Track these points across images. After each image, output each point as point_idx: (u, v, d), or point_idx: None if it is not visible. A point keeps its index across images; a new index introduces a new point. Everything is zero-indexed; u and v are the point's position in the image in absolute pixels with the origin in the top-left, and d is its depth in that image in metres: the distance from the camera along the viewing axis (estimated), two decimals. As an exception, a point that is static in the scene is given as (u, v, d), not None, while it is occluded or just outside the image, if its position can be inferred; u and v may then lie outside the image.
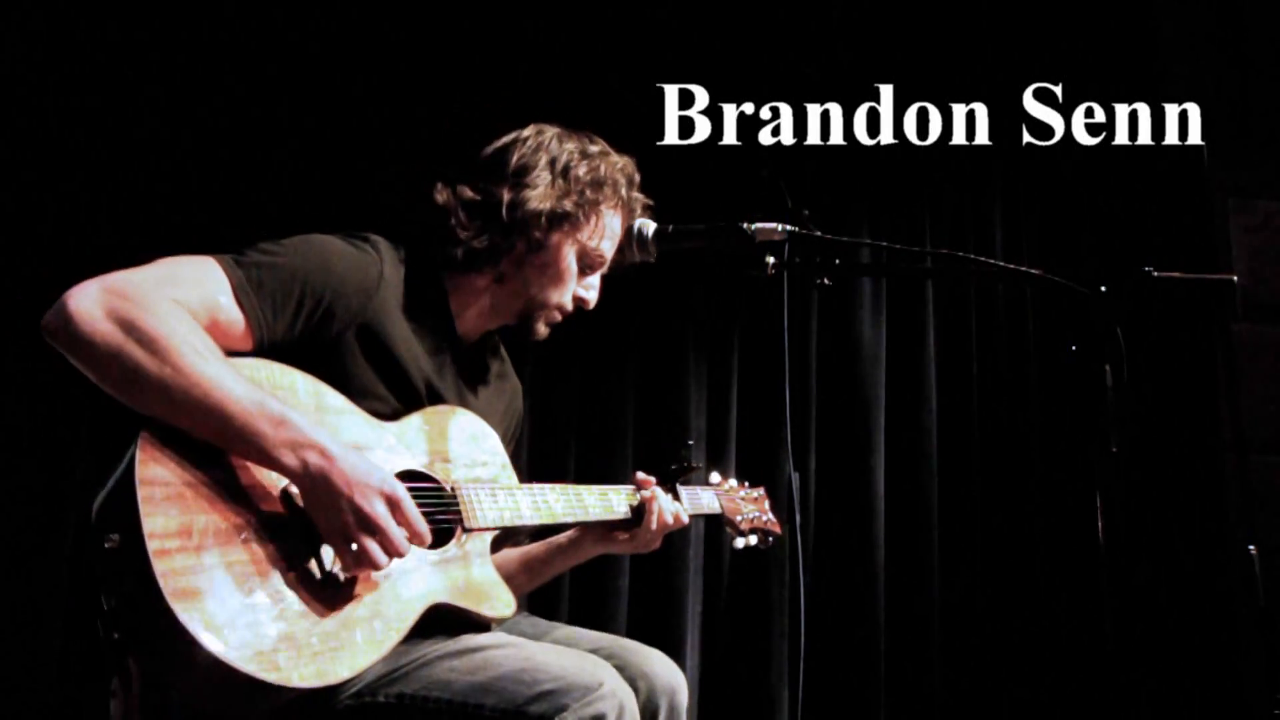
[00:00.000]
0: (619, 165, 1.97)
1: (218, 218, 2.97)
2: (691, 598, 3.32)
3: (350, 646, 1.49)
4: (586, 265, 1.97)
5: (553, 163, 1.91)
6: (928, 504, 3.61)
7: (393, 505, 1.53)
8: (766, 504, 2.39)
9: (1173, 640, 3.57)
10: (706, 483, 2.31)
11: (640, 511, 2.04)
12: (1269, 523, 3.58)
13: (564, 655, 1.63)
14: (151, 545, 1.36)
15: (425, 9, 3.31)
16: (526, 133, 1.95)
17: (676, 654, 3.23)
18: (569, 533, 2.11)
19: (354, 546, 1.50)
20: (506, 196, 1.87)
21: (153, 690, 1.48)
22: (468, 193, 1.89)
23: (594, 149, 1.97)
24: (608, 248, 1.98)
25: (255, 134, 3.09)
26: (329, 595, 1.51)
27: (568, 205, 1.89)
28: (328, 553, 1.53)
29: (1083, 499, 3.65)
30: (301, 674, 1.42)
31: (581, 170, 1.91)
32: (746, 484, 2.40)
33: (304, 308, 1.67)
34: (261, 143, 3.09)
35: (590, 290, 2.00)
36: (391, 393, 1.76)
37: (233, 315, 1.60)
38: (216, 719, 1.45)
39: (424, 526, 1.57)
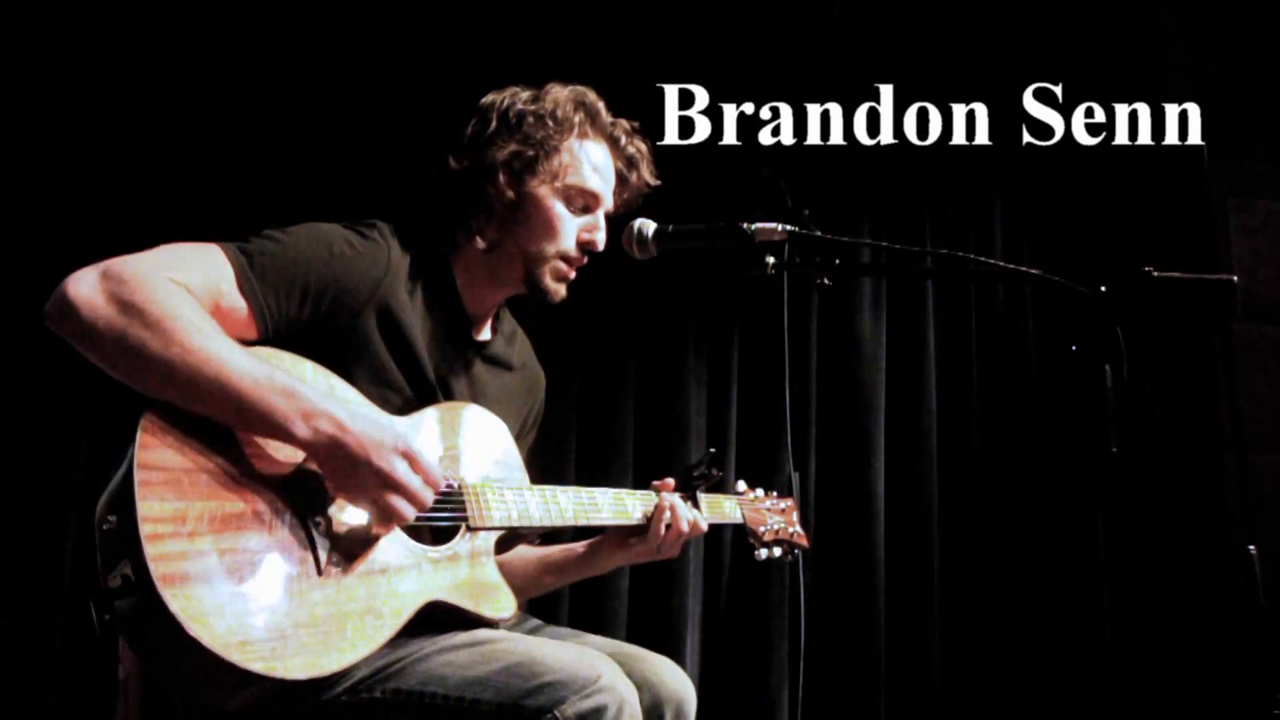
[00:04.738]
0: (566, 95, 1.93)
1: (215, 208, 2.97)
2: (691, 598, 3.32)
3: (341, 640, 1.49)
4: (579, 206, 1.92)
5: (504, 116, 1.90)
6: (928, 504, 3.61)
7: (409, 460, 1.56)
8: (795, 516, 2.31)
9: (1173, 640, 3.58)
10: (733, 491, 2.25)
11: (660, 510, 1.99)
12: (1269, 523, 3.58)
13: (562, 649, 1.62)
14: (144, 529, 1.36)
15: (428, 7, 3.32)
16: (486, 99, 1.94)
17: (676, 654, 3.23)
18: (587, 541, 2.07)
19: (378, 504, 1.54)
20: (469, 163, 1.88)
21: (153, 688, 1.49)
22: (446, 171, 1.90)
23: (547, 90, 1.93)
24: (595, 181, 1.93)
25: (256, 125, 3.09)
26: (324, 586, 1.51)
27: (522, 151, 1.87)
28: (324, 544, 1.53)
29: (1083, 499, 3.65)
30: (288, 665, 1.42)
31: (529, 113, 1.89)
32: (775, 494, 2.32)
33: (309, 297, 1.67)
34: (263, 135, 3.09)
35: (596, 232, 1.93)
36: (405, 380, 1.77)
37: (235, 302, 1.59)
38: (207, 706, 1.45)
39: (439, 474, 1.61)
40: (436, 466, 1.60)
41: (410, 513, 1.56)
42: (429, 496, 1.58)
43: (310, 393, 1.52)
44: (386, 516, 1.55)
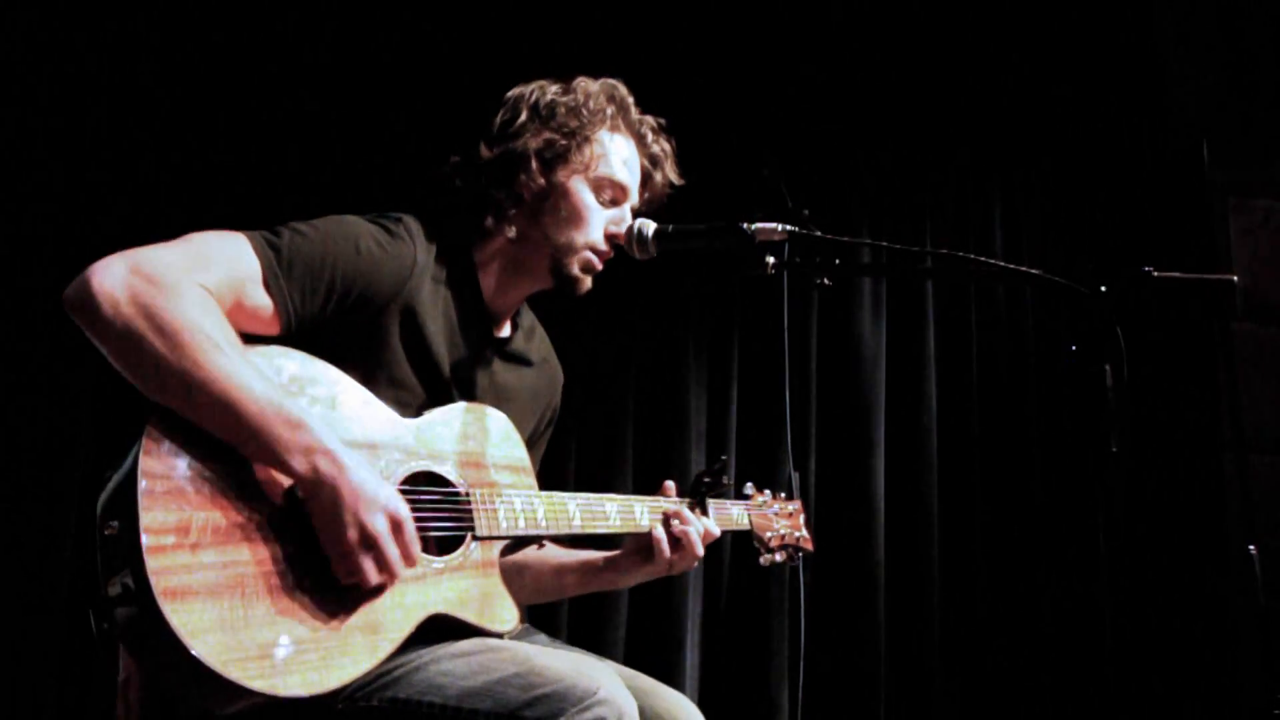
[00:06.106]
0: (598, 87, 1.94)
1: (236, 201, 2.98)
2: (691, 597, 3.32)
3: (343, 655, 1.47)
4: (608, 198, 1.92)
5: (534, 106, 1.90)
6: (928, 504, 3.61)
7: (395, 525, 1.53)
8: (802, 519, 2.26)
9: (1172, 640, 3.57)
10: (739, 495, 2.20)
11: (666, 526, 1.93)
12: (1269, 523, 3.58)
13: (561, 659, 1.60)
14: (146, 540, 1.35)
15: (440, 8, 3.33)
16: (513, 92, 1.94)
17: (677, 655, 3.24)
18: (604, 555, 2.02)
19: (348, 560, 1.50)
20: (499, 151, 1.88)
21: (153, 690, 1.48)
22: (472, 162, 1.89)
23: (577, 82, 1.93)
24: (624, 174, 1.93)
25: (281, 118, 3.10)
26: (326, 601, 1.49)
27: (555, 140, 1.87)
28: (327, 557, 1.51)
29: (1083, 499, 3.65)
30: (288, 682, 1.40)
31: (561, 103, 1.89)
32: (783, 496, 2.27)
33: (334, 294, 1.65)
34: (286, 128, 3.10)
35: (622, 225, 1.92)
36: (420, 381, 1.75)
37: (260, 300, 1.58)
38: (206, 711, 1.44)
39: (417, 553, 1.57)
40: (417, 546, 1.57)
41: (375, 578, 1.51)
42: (400, 570, 1.54)
43: (316, 426, 1.49)
44: (351, 574, 1.50)
